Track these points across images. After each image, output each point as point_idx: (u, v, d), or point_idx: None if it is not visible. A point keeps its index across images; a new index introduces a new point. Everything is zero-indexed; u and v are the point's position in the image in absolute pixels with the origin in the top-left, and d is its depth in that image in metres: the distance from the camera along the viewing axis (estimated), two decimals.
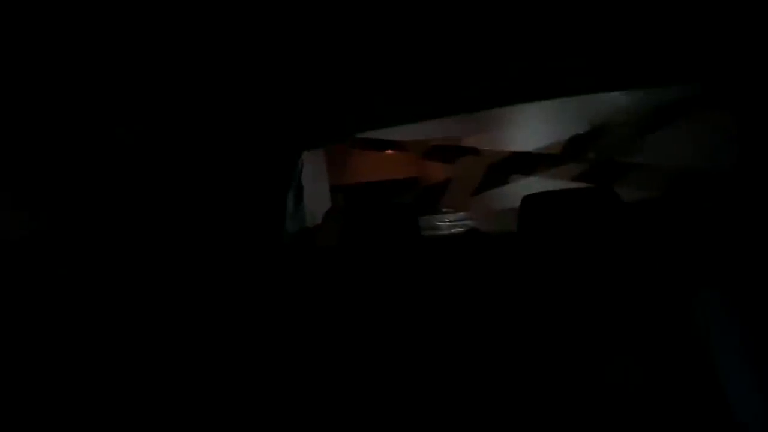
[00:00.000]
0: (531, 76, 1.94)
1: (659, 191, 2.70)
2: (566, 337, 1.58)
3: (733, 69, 1.90)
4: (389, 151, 4.79)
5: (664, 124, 2.73)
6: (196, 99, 1.90)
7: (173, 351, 1.73)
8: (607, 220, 1.60)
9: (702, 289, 1.61)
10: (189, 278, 1.90)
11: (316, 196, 4.25)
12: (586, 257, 1.62)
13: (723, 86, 2.17)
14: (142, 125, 1.96)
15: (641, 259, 1.61)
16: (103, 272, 1.89)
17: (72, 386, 1.66)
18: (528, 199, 1.66)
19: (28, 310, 1.79)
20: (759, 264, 1.63)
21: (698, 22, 1.66)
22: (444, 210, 4.24)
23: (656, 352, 1.55)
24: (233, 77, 1.81)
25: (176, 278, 1.91)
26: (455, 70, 1.83)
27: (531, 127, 3.90)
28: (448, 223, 3.73)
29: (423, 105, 2.18)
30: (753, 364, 1.52)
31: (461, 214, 3.98)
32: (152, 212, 2.01)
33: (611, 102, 3.06)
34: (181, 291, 1.87)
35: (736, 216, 1.91)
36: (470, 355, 1.62)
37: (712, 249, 1.73)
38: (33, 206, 1.98)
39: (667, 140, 2.76)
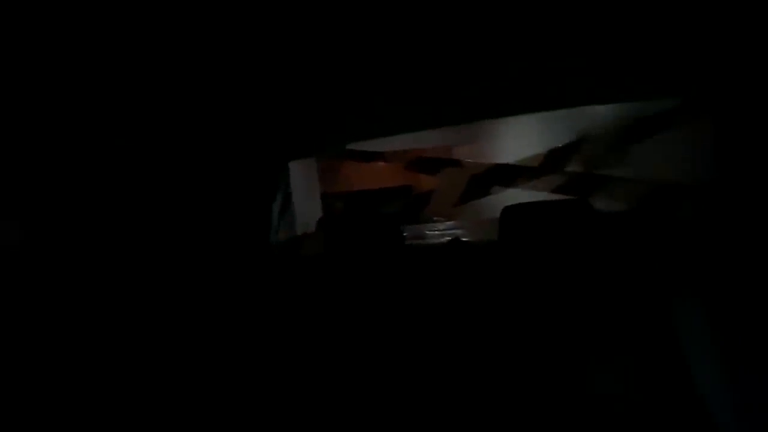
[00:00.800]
0: (518, 85, 1.96)
1: (636, 203, 2.75)
2: (545, 344, 1.61)
3: (711, 83, 1.94)
4: (377, 162, 4.81)
5: (643, 138, 2.79)
6: (187, 109, 1.90)
7: (160, 355, 1.72)
8: (582, 230, 1.65)
9: (677, 297, 1.65)
10: (175, 284, 1.90)
11: (307, 204, 4.24)
12: (563, 266, 1.66)
13: (701, 100, 2.23)
14: (132, 133, 1.96)
15: (617, 269, 1.65)
16: (90, 280, 1.88)
17: (61, 391, 1.64)
18: (507, 210, 1.70)
19: (15, 318, 1.78)
20: (733, 273, 1.67)
21: (678, 36, 1.70)
22: (435, 219, 4.26)
23: (633, 358, 1.58)
24: (224, 88, 1.82)
25: (163, 284, 1.90)
26: (443, 80, 1.85)
27: (520, 139, 3.95)
28: (437, 233, 3.75)
29: (411, 116, 2.20)
30: (725, 367, 1.55)
31: (451, 223, 4.01)
32: (139, 219, 2.00)
33: (591, 115, 3.12)
34: (168, 296, 1.86)
35: (711, 227, 1.95)
36: (451, 361, 1.64)
37: (686, 260, 1.77)
38: (16, 216, 1.96)
39: (645, 153, 2.81)
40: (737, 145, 2.02)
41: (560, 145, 3.38)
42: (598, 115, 3.07)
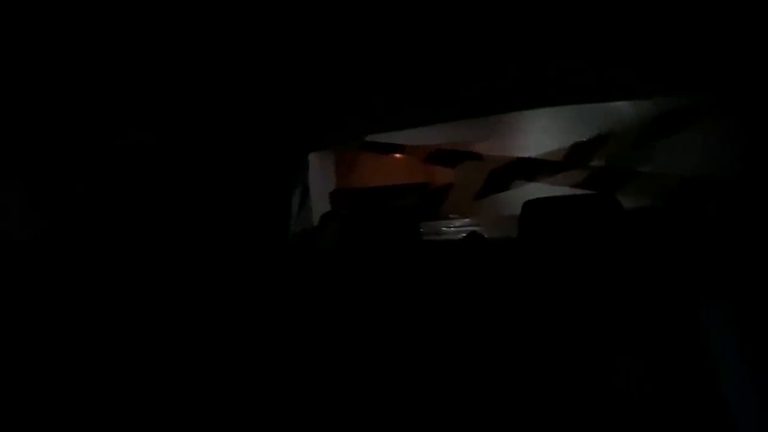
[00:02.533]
0: (536, 79, 1.93)
1: (662, 200, 2.68)
2: (564, 343, 1.57)
3: (740, 77, 1.89)
4: (396, 155, 4.77)
5: (669, 133, 2.71)
6: (206, 102, 1.91)
7: (176, 349, 1.73)
8: (607, 227, 1.59)
9: (706, 298, 1.60)
10: (193, 277, 1.91)
11: (321, 199, 4.24)
12: (586, 264, 1.61)
13: (730, 94, 2.16)
14: (154, 128, 1.97)
15: (641, 268, 1.60)
16: (109, 272, 1.91)
17: (77, 384, 1.66)
18: (528, 205, 1.65)
19: (33, 309, 1.80)
20: (762, 273, 1.62)
21: (705, 30, 1.65)
22: (450, 215, 4.22)
23: (658, 359, 1.54)
24: (242, 80, 1.82)
25: (180, 277, 1.92)
26: (460, 70, 1.83)
27: (534, 134, 3.88)
28: (453, 229, 3.71)
29: (429, 107, 2.18)
30: (752, 370, 1.52)
31: (467, 219, 3.96)
32: (159, 213, 2.02)
33: (616, 109, 3.04)
34: (185, 290, 1.87)
35: (740, 225, 1.89)
36: (467, 358, 1.61)
37: (714, 259, 1.72)
38: (42, 208, 1.99)
39: (671, 148, 2.73)
40: (766, 140, 1.97)
41: (584, 140, 3.31)
42: (622, 109, 3.00)
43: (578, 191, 2.98)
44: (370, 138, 3.63)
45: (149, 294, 1.84)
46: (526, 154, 3.67)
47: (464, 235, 2.19)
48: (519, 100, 2.18)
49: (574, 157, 3.31)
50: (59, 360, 1.69)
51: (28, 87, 1.65)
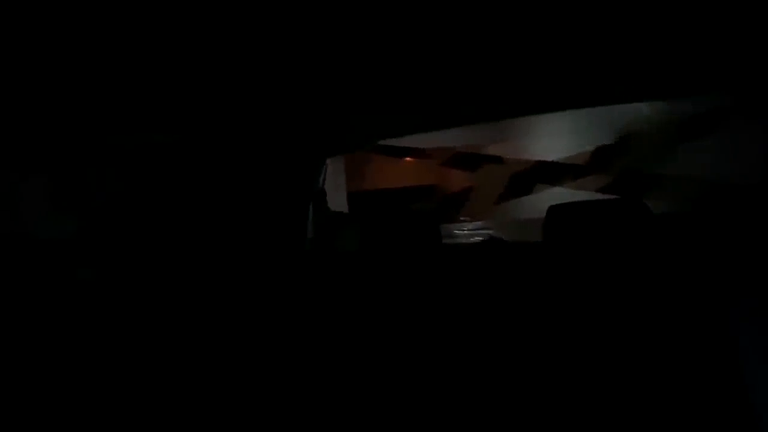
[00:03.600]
0: (550, 82, 1.92)
1: (688, 204, 2.65)
2: (588, 350, 1.55)
3: (763, 80, 1.86)
4: (408, 159, 4.79)
5: (693, 136, 2.68)
6: (224, 107, 1.93)
7: (193, 352, 1.75)
8: (636, 232, 1.56)
9: (736, 301, 1.57)
10: (211, 280, 1.93)
11: (334, 201, 4.25)
12: (614, 269, 1.58)
13: (754, 97, 2.14)
14: (171, 130, 2.00)
15: (670, 274, 1.57)
16: (129, 274, 1.94)
17: (97, 384, 1.69)
18: (555, 209, 1.63)
19: (54, 306, 1.83)
20: None
21: (725, 32, 1.63)
22: (462, 219, 4.21)
23: (684, 365, 1.52)
24: (259, 86, 1.84)
25: (198, 280, 1.94)
26: (472, 74, 1.82)
27: (555, 137, 3.85)
28: (466, 232, 3.71)
29: (442, 110, 2.19)
30: None
31: (479, 222, 3.95)
32: (178, 216, 2.05)
33: (638, 112, 3.02)
34: (203, 292, 1.90)
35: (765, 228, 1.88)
36: (487, 363, 1.60)
37: (744, 264, 1.70)
38: (70, 209, 2.04)
39: (696, 152, 2.70)
40: None
41: (603, 144, 3.28)
42: (644, 112, 2.98)
43: (601, 196, 2.96)
44: (382, 142, 3.65)
45: (168, 297, 1.87)
46: (543, 157, 3.65)
47: (479, 238, 2.18)
48: (534, 103, 2.17)
49: (598, 160, 3.28)
50: (79, 357, 1.72)
51: (51, 85, 1.68)
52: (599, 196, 2.94)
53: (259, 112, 1.98)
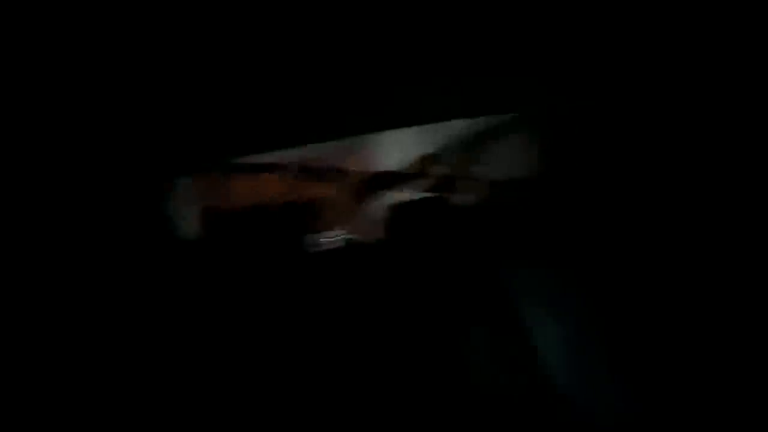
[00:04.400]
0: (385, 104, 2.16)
1: (482, 198, 3.43)
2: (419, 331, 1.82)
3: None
4: (262, 174, 4.93)
5: (486, 145, 3.50)
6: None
7: (189, 347, 1.88)
8: (439, 220, 2.05)
9: (512, 263, 2.03)
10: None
11: (185, 223, 4.27)
12: (428, 251, 1.99)
13: (531, 114, 2.85)
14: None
15: (462, 247, 2.03)
16: (102, 271, 1.97)
17: (91, 382, 1.75)
18: (391, 209, 2.01)
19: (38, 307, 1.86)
20: (564, 247, 2.05)
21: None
22: (324, 228, 4.57)
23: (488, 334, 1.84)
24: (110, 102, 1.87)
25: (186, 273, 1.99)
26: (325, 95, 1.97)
27: (394, 148, 4.45)
28: (328, 240, 4.09)
29: (297, 132, 2.34)
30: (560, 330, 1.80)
31: (339, 230, 4.37)
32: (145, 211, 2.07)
33: (451, 127, 3.80)
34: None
35: (537, 214, 2.42)
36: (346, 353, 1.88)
37: (523, 236, 2.19)
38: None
39: (488, 158, 3.54)
40: (560, 148, 2.56)
41: (430, 153, 4.00)
42: (455, 127, 3.79)
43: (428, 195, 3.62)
44: (234, 161, 3.91)
45: (155, 293, 1.95)
46: (383, 167, 4.27)
47: (339, 243, 2.51)
48: (372, 123, 2.50)
49: (420, 167, 4.00)
50: (59, 359, 1.78)
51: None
52: (426, 195, 3.60)
53: (101, 135, 2.03)
